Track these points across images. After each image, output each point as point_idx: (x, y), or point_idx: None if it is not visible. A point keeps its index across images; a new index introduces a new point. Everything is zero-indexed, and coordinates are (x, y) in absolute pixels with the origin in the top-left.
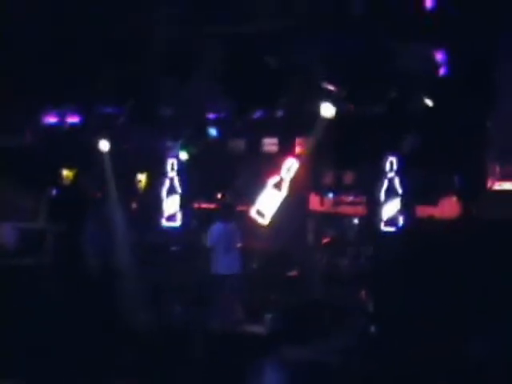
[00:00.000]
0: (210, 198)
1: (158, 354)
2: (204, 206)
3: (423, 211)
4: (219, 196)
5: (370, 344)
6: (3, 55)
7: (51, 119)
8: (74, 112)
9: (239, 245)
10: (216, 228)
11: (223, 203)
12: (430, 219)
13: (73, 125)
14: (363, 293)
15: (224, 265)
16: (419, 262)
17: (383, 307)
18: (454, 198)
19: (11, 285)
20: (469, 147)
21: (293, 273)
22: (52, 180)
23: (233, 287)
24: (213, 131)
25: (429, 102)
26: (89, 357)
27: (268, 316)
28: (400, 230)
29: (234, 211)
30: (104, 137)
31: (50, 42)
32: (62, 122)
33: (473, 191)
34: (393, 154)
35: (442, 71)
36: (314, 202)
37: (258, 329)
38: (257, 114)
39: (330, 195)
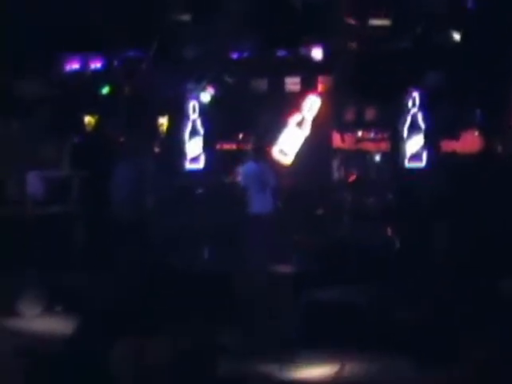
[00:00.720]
0: (232, 139)
1: (188, 298)
2: (226, 146)
3: (445, 146)
4: (241, 136)
5: (397, 283)
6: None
7: (73, 65)
8: (97, 57)
9: (272, 185)
10: (247, 168)
11: (253, 143)
12: (454, 154)
13: (95, 70)
14: (389, 230)
15: (256, 204)
16: (443, 197)
17: (409, 244)
18: (476, 133)
19: (42, 233)
20: (494, 82)
21: (319, 211)
22: (75, 127)
23: (264, 227)
24: (235, 71)
25: (455, 36)
26: (123, 307)
27: (295, 256)
28: (424, 165)
29: (264, 151)
30: (126, 81)
31: None
32: (84, 67)
33: (496, 126)
34: (416, 89)
35: (468, 4)
36: (336, 140)
37: (285, 269)
38: (280, 53)
39: (351, 132)
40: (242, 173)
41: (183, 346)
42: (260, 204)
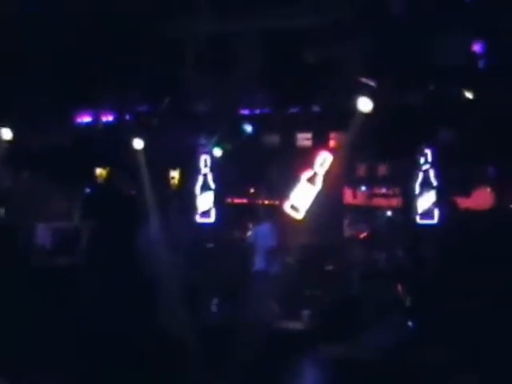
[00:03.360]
0: (243, 193)
1: (194, 354)
2: (237, 201)
3: (457, 203)
4: (252, 191)
5: (409, 341)
6: (36, 52)
7: (85, 118)
8: (109, 111)
9: (275, 244)
10: (257, 228)
11: (261, 205)
12: (467, 211)
13: (107, 124)
14: (400, 287)
15: (261, 263)
16: (456, 254)
17: (421, 302)
18: (488, 190)
19: (48, 284)
20: (506, 138)
21: (329, 267)
22: (86, 179)
23: (267, 284)
24: (248, 127)
25: (468, 95)
26: (130, 364)
27: (305, 312)
28: (436, 223)
29: (273, 210)
30: (138, 135)
31: (83, 40)
32: (96, 121)
33: (508, 182)
34: (428, 147)
35: (481, 63)
36: (348, 195)
37: (295, 325)
38: (292, 109)
39: (363, 188)
40: (252, 232)
41: None
42: (264, 262)
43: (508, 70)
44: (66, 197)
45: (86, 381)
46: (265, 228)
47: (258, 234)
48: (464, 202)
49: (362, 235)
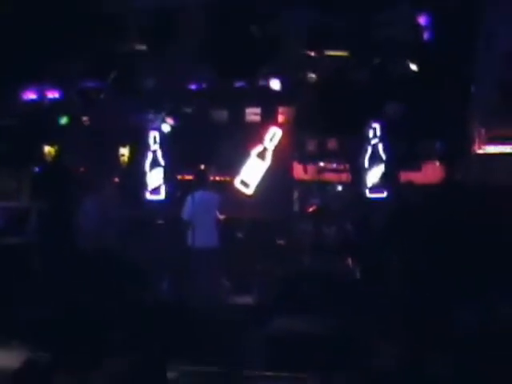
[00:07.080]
0: (194, 170)
1: (148, 331)
2: (188, 177)
3: (406, 177)
4: (202, 167)
5: (360, 314)
6: None
7: (30, 95)
8: (54, 88)
9: (219, 216)
10: (191, 198)
11: (197, 172)
12: (411, 185)
13: (53, 100)
14: (350, 260)
15: (200, 238)
16: (404, 227)
17: (370, 274)
18: (437, 163)
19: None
20: (453, 111)
21: (279, 242)
22: (34, 158)
23: (215, 260)
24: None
25: (413, 67)
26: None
27: (256, 287)
28: (385, 196)
29: (208, 179)
30: (85, 112)
31: (27, 17)
32: (41, 98)
33: (456, 156)
34: (376, 121)
35: (426, 35)
36: (298, 171)
37: (246, 300)
38: (239, 84)
39: (313, 163)
40: (186, 204)
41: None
42: (204, 237)
43: (452, 42)
44: (14, 176)
45: None
46: (207, 196)
47: (199, 203)
48: (413, 176)
49: (310, 209)
